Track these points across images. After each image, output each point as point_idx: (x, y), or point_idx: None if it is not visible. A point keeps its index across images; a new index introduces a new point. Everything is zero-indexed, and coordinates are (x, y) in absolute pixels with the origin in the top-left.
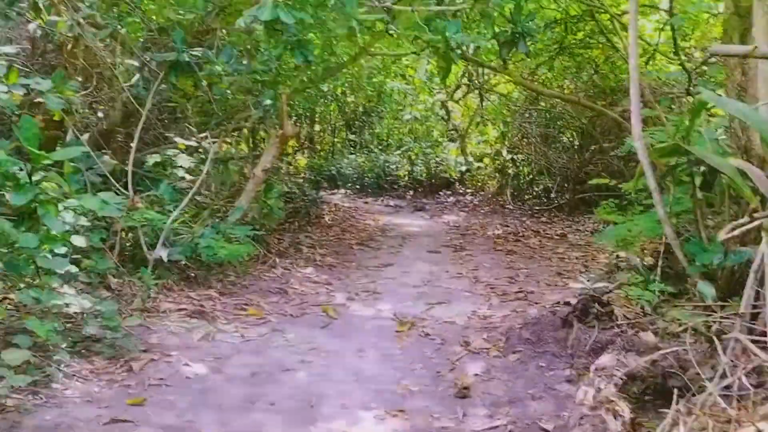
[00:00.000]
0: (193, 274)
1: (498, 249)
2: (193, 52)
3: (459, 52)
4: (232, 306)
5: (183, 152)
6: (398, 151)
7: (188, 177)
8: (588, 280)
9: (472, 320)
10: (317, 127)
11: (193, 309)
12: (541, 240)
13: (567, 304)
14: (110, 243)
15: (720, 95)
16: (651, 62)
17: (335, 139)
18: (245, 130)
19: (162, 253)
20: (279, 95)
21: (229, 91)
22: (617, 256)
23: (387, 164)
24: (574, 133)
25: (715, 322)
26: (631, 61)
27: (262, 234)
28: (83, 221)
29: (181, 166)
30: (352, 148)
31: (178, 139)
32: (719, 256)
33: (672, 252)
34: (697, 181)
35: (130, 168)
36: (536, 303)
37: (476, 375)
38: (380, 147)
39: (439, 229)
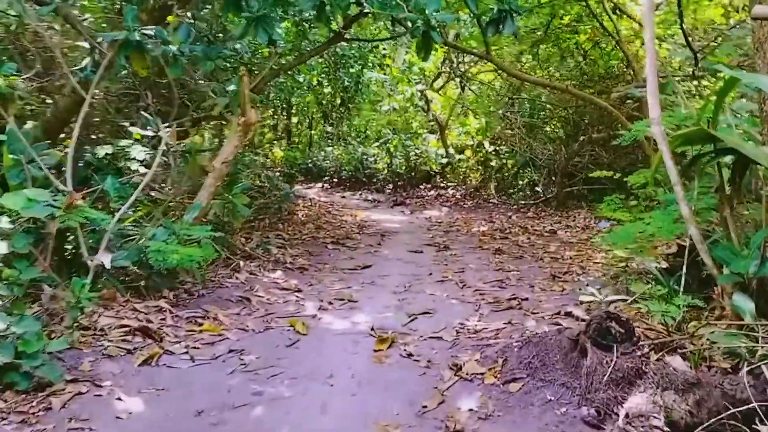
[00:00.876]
0: (141, 283)
1: (484, 248)
2: (146, 31)
3: (440, 33)
4: (185, 320)
5: (140, 143)
6: (377, 144)
7: (143, 170)
8: (597, 290)
9: (461, 335)
10: (294, 119)
11: (138, 325)
12: (530, 237)
13: (569, 315)
14: (42, 247)
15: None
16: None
17: (312, 132)
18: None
19: (104, 258)
20: (241, 78)
21: (192, 78)
22: (621, 259)
23: (365, 157)
24: (560, 124)
25: (760, 345)
26: (647, 34)
27: (226, 234)
28: (4, 222)
29: (135, 159)
30: (330, 141)
31: (133, 129)
32: (756, 263)
33: (694, 257)
34: (726, 173)
35: (69, 160)
36: (533, 313)
37: (470, 411)
38: (358, 139)
39: (421, 225)
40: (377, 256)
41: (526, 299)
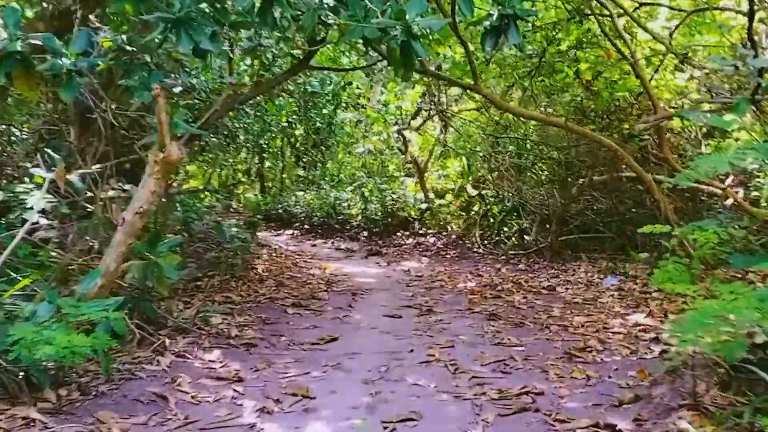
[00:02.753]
0: (12, 381)
1: (475, 310)
2: (35, 41)
3: (422, 46)
4: None
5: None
6: (350, 188)
7: (44, 222)
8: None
9: None
10: (268, 163)
11: None
12: (527, 296)
13: (611, 428)
14: None
15: None
16: (660, 72)
17: (284, 176)
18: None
19: None
20: (155, 99)
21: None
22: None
23: (338, 202)
24: (552, 165)
25: None
26: None
27: (150, 303)
28: None
29: (31, 208)
30: (301, 185)
31: (35, 171)
32: None
33: None
34: None
35: None
36: (557, 420)
37: None
38: (331, 183)
39: (399, 279)
40: (347, 323)
41: (542, 393)
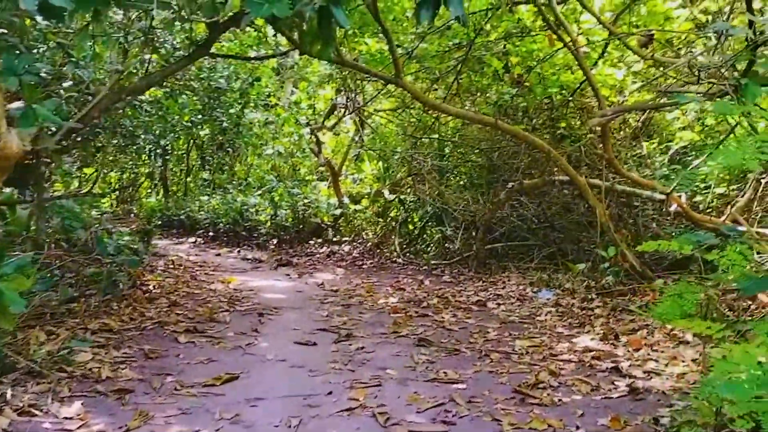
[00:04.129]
0: None
1: (401, 334)
2: None
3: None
4: None
5: None
6: (259, 192)
7: None
8: None
9: None
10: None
11: None
12: (456, 314)
13: None
14: None
15: None
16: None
17: (188, 179)
18: None
19: None
20: None
21: None
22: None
23: (245, 207)
24: (476, 168)
25: None
26: None
27: None
28: None
29: None
30: (207, 189)
31: None
32: None
33: None
34: None
35: None
36: None
37: None
38: (239, 187)
39: (312, 295)
40: (251, 353)
41: None
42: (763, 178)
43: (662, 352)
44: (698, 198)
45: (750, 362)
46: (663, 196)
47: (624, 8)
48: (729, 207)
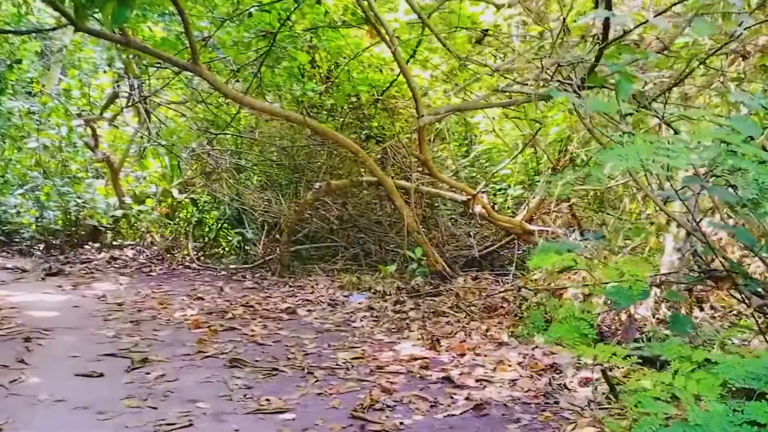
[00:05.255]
0: None
1: (208, 353)
2: None
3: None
4: None
5: None
6: (20, 191)
7: None
8: None
9: None
10: None
11: None
12: (266, 324)
13: None
14: None
15: None
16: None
17: None
18: None
19: None
20: None
21: None
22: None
23: (3, 209)
24: (275, 167)
25: None
26: None
27: None
28: None
29: None
30: None
31: None
32: None
33: None
34: None
35: None
36: None
37: None
38: None
39: (92, 311)
40: (16, 393)
41: None
42: (549, 180)
43: (486, 356)
44: (499, 199)
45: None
46: (466, 197)
47: (437, 6)
48: (524, 207)
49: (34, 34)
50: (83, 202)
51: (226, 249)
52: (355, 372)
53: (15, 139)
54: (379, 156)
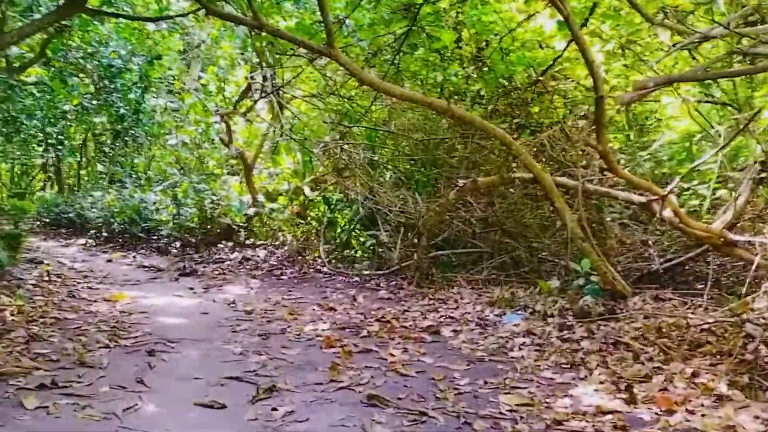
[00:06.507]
0: None
1: (342, 383)
2: None
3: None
4: None
5: None
6: (160, 188)
7: None
8: None
9: None
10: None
11: None
12: (407, 347)
13: None
14: None
15: None
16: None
17: (81, 172)
18: None
19: None
20: None
21: None
22: None
23: (144, 205)
24: (410, 163)
25: None
26: None
27: None
28: None
29: None
30: (102, 183)
31: None
32: None
33: None
34: None
35: None
36: None
37: None
38: (137, 182)
39: (220, 319)
40: (128, 427)
41: None
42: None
43: (704, 416)
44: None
45: None
46: (648, 199)
47: None
48: (722, 211)
49: (173, 28)
50: (218, 200)
51: (359, 252)
52: (526, 426)
53: (158, 137)
54: (533, 148)
